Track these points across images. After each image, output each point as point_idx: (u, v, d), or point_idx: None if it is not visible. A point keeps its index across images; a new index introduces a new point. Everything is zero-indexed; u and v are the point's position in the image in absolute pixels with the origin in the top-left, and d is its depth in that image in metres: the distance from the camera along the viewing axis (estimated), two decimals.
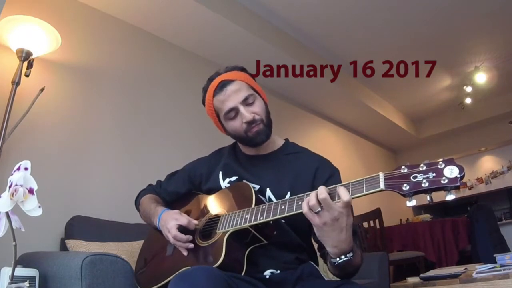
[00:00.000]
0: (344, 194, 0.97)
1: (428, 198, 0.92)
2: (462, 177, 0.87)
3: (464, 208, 7.05)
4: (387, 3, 3.63)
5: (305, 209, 1.01)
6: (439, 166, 0.89)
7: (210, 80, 1.42)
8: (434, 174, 0.89)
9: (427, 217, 6.04)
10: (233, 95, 1.34)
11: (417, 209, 7.33)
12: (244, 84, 1.38)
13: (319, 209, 0.98)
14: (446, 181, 0.87)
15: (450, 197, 0.89)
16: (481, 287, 2.25)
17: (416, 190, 0.90)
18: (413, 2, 3.64)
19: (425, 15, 3.87)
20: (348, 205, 0.98)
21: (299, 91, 4.60)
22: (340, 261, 1.03)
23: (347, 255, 1.02)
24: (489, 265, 2.43)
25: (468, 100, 5.74)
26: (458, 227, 4.97)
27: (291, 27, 3.86)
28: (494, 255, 2.53)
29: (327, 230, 0.99)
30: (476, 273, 2.38)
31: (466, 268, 2.75)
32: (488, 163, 7.12)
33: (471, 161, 7.14)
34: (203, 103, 1.46)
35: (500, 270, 2.30)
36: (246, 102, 1.35)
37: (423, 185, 0.89)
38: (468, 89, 5.44)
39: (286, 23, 3.80)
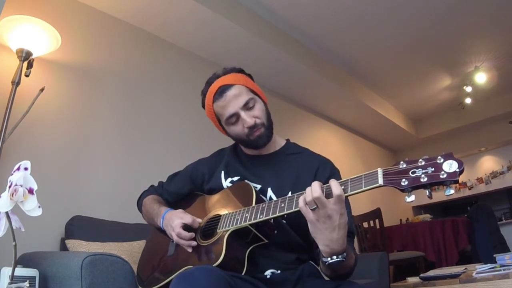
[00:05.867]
0: (335, 188, 0.97)
1: (427, 193, 0.91)
2: (461, 172, 0.85)
3: (464, 208, 7.05)
4: (387, 3, 3.63)
5: (301, 203, 1.00)
6: (438, 161, 0.88)
7: (209, 83, 1.41)
8: (433, 169, 0.88)
9: (427, 217, 6.05)
10: (233, 100, 1.33)
11: (417, 209, 7.34)
12: (244, 88, 1.37)
13: (315, 206, 0.97)
14: (445, 175, 0.86)
15: (449, 192, 0.88)
16: (481, 287, 2.25)
17: (415, 185, 0.89)
18: (414, 2, 3.64)
19: (425, 15, 3.87)
20: (340, 200, 0.97)
21: (299, 91, 4.60)
22: (331, 261, 1.01)
23: (339, 256, 1.01)
24: (489, 265, 2.43)
25: (468, 100, 5.74)
26: (458, 227, 4.97)
27: (292, 27, 3.86)
28: (494, 255, 2.53)
29: (320, 228, 0.98)
30: (476, 273, 2.38)
31: (466, 268, 2.75)
32: (488, 163, 7.12)
33: (471, 161, 7.14)
34: (203, 106, 1.46)
35: (500, 270, 2.30)
36: (246, 106, 1.34)
37: (421, 180, 0.88)
38: (468, 89, 5.44)
39: (286, 23, 3.80)
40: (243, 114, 1.33)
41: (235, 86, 1.36)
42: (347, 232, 1.03)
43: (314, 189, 0.98)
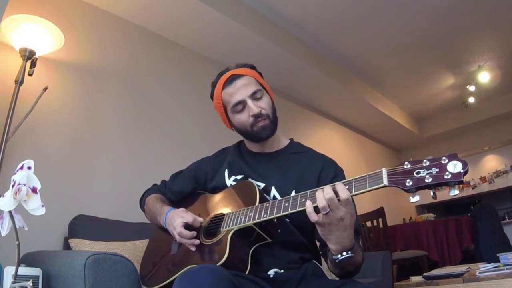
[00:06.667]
0: (342, 191, 0.98)
1: (432, 194, 0.91)
2: (465, 172, 0.85)
3: (468, 207, 7.03)
4: (391, 2, 3.62)
5: (314, 217, 1.00)
6: (443, 162, 0.88)
7: (220, 74, 1.45)
8: (438, 170, 0.88)
9: (430, 216, 6.04)
10: (242, 88, 1.37)
11: (420, 208, 7.32)
12: (253, 80, 1.41)
13: (329, 210, 0.98)
14: (450, 176, 0.86)
15: (454, 192, 0.87)
16: (484, 286, 2.24)
17: (419, 186, 0.89)
18: (417, 1, 3.63)
19: (428, 14, 3.86)
20: (348, 202, 0.98)
21: (302, 90, 4.60)
22: (341, 257, 1.03)
23: (349, 252, 1.03)
24: (492, 264, 2.43)
25: (471, 99, 5.72)
26: (461, 226, 4.95)
27: (295, 26, 3.85)
28: (497, 254, 2.52)
29: (332, 229, 1.00)
30: (479, 272, 2.37)
31: (469, 267, 2.74)
32: (491, 162, 7.10)
33: (474, 160, 7.11)
34: (211, 96, 1.49)
35: (503, 269, 2.30)
36: (254, 96, 1.37)
37: (426, 180, 0.88)
38: (472, 88, 5.42)
39: (289, 22, 3.79)
40: (249, 102, 1.36)
41: (245, 76, 1.40)
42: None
43: (326, 191, 0.99)
